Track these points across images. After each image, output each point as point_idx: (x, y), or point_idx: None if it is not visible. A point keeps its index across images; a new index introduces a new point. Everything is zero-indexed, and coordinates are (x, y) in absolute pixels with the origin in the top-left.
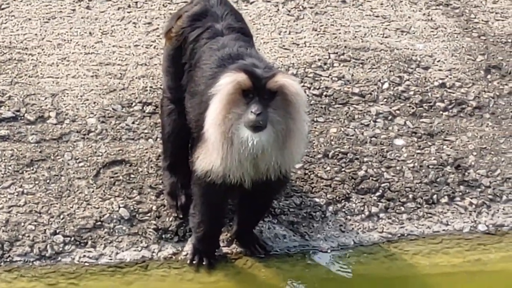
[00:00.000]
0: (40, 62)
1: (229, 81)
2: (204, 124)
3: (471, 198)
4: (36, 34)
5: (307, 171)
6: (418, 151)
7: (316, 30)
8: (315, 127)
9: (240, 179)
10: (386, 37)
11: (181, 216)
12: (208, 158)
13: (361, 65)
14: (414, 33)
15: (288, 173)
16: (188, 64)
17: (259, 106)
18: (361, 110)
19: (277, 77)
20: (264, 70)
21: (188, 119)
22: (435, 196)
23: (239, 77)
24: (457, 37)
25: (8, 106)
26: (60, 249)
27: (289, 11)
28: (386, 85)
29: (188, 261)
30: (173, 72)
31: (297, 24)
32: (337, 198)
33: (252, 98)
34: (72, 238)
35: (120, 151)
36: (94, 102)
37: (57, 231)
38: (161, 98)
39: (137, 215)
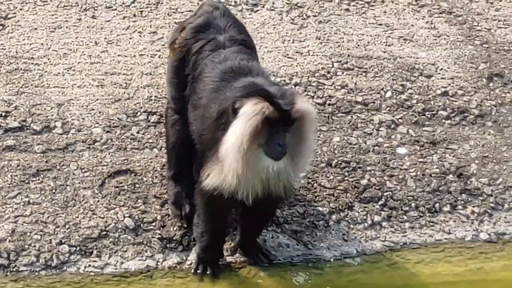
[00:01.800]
0: (46, 72)
1: (255, 112)
2: (209, 144)
3: (473, 207)
4: (42, 44)
5: (310, 180)
6: (421, 159)
7: (319, 39)
8: (318, 136)
9: (247, 196)
10: (389, 46)
11: (185, 225)
12: (221, 177)
13: (364, 74)
14: (417, 41)
15: (294, 187)
16: (191, 76)
17: (283, 138)
18: (364, 119)
19: (298, 105)
20: (281, 93)
21: (191, 130)
22: (437, 205)
23: (265, 108)
24: (459, 45)
25: (15, 116)
26: (66, 258)
27: (293, 19)
28: (389, 94)
29: (193, 270)
30: (177, 83)
31: (300, 33)
32: (340, 207)
33: (275, 127)
34: (78, 248)
35: (125, 161)
36: (100, 112)
37: (63, 241)
38: (166, 108)
39: (142, 224)
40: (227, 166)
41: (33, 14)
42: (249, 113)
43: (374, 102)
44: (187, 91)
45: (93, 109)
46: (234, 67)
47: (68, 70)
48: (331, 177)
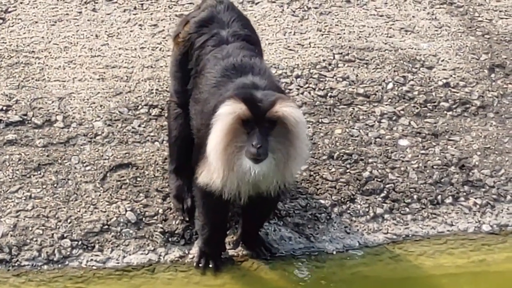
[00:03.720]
0: (47, 65)
1: (228, 112)
2: (204, 139)
3: (475, 198)
4: (43, 37)
5: (312, 173)
6: (423, 151)
7: (320, 31)
8: (320, 128)
9: (237, 195)
10: (390, 37)
11: (187, 219)
12: (209, 176)
13: (365, 65)
14: (418, 32)
15: (290, 185)
16: (194, 70)
17: (259, 139)
18: (365, 111)
19: (276, 107)
20: (264, 96)
21: (191, 125)
22: (439, 197)
23: (238, 108)
24: (461, 36)
25: (16, 110)
26: (68, 253)
27: (294, 11)
28: (390, 85)
29: (195, 264)
30: (180, 77)
31: (301, 25)
32: (342, 199)
33: (252, 128)
34: (80, 242)
35: (127, 154)
36: (101, 105)
37: (65, 235)
38: (168, 102)
39: (143, 218)
40: (212, 166)
41: (34, 8)
42: (223, 114)
43: (375, 94)
44: (190, 85)
45: (94, 103)
46: (236, 64)
47: (69, 64)
48: (333, 169)
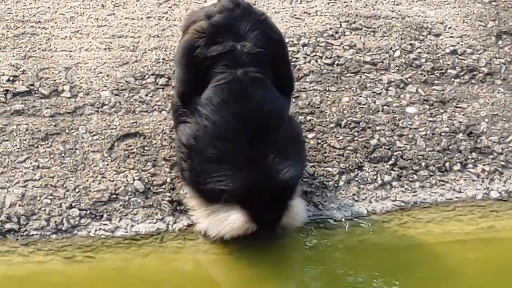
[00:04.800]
0: (53, 35)
1: (234, 226)
2: None
3: (484, 165)
4: (49, 8)
5: (319, 141)
6: (430, 118)
7: None
8: (327, 97)
9: None
10: (397, 5)
11: None
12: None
13: (372, 33)
14: (425, 0)
15: None
16: (204, 71)
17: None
18: (373, 79)
19: (283, 222)
20: (272, 201)
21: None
22: (447, 164)
23: (246, 226)
24: (468, 3)
25: (22, 80)
26: (76, 222)
27: None
28: (397, 53)
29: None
30: (186, 63)
31: None
32: (350, 167)
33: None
34: (88, 212)
35: (134, 124)
36: (108, 75)
37: (73, 204)
38: (172, 96)
39: (151, 187)
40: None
41: None
42: (228, 224)
43: (382, 62)
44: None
45: (101, 72)
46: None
47: (75, 34)
48: (341, 137)
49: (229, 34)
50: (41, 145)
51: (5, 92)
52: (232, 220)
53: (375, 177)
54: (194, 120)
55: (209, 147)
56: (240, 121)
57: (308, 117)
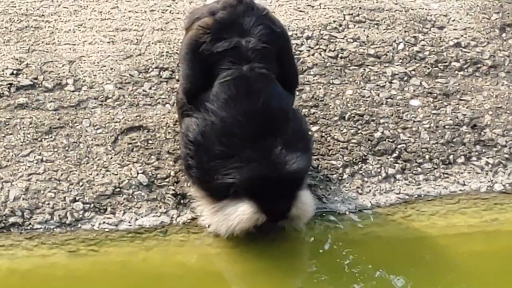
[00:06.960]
0: (57, 29)
1: (243, 218)
2: None
3: (488, 158)
4: (52, 1)
5: (323, 134)
6: (434, 111)
7: None
8: (331, 90)
9: None
10: None
11: None
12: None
13: (376, 26)
14: None
15: None
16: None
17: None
18: (376, 72)
19: (292, 212)
20: (279, 193)
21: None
22: (451, 157)
23: (255, 217)
24: None
25: (26, 74)
26: (80, 216)
27: None
28: (401, 46)
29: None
30: (192, 59)
31: None
32: (354, 160)
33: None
34: (92, 205)
35: (138, 117)
36: (111, 68)
37: (77, 198)
38: (177, 93)
39: (155, 180)
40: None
41: None
42: (236, 217)
43: (386, 55)
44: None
45: (104, 66)
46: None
47: (79, 27)
48: (344, 130)
49: (233, 30)
50: (45, 139)
51: (9, 85)
52: (241, 212)
53: (379, 170)
54: (201, 117)
55: (217, 143)
56: (248, 117)
57: (312, 110)
